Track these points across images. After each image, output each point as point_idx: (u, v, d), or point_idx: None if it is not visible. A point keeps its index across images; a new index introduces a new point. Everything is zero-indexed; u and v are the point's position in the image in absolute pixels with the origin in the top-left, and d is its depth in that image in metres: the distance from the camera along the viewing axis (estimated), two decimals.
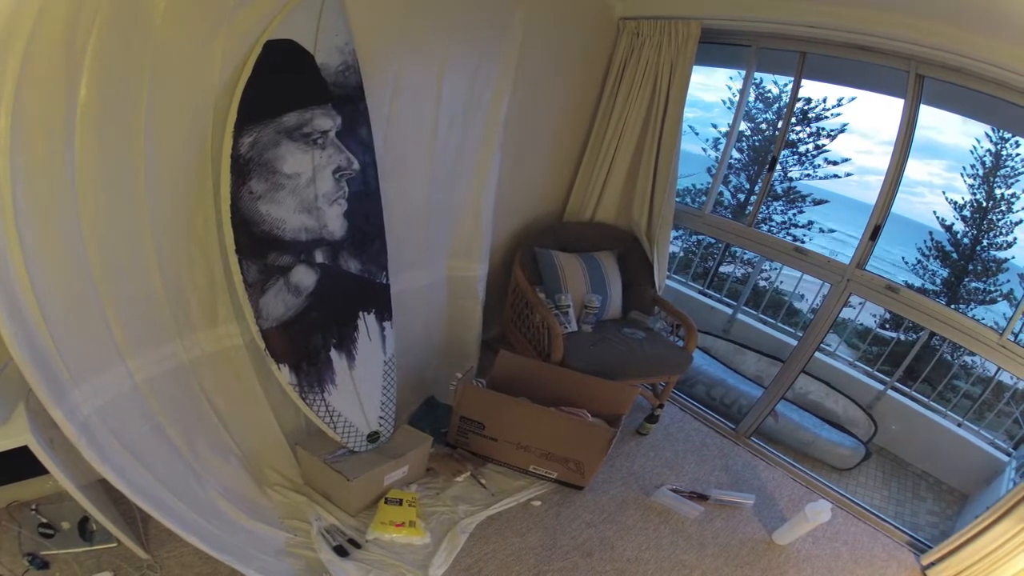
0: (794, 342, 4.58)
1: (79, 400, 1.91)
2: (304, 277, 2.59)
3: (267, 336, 2.48)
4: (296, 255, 2.54)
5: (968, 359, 6.42)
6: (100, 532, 2.31)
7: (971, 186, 11.21)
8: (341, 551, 2.52)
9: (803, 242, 10.88)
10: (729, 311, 5.57)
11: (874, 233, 3.42)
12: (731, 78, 10.52)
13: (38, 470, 1.92)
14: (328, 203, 2.61)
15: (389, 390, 2.91)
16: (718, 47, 3.76)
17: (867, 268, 3.51)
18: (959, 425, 4.43)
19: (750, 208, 12.44)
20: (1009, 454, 4.19)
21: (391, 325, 2.93)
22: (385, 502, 2.75)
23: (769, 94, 12.36)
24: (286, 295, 2.53)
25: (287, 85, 2.40)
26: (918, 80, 3.19)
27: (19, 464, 1.92)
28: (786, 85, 11.42)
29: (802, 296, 6.00)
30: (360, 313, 2.84)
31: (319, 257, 2.63)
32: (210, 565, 2.33)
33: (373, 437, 2.83)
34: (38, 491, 2.39)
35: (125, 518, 2.36)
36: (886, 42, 3.03)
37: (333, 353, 2.71)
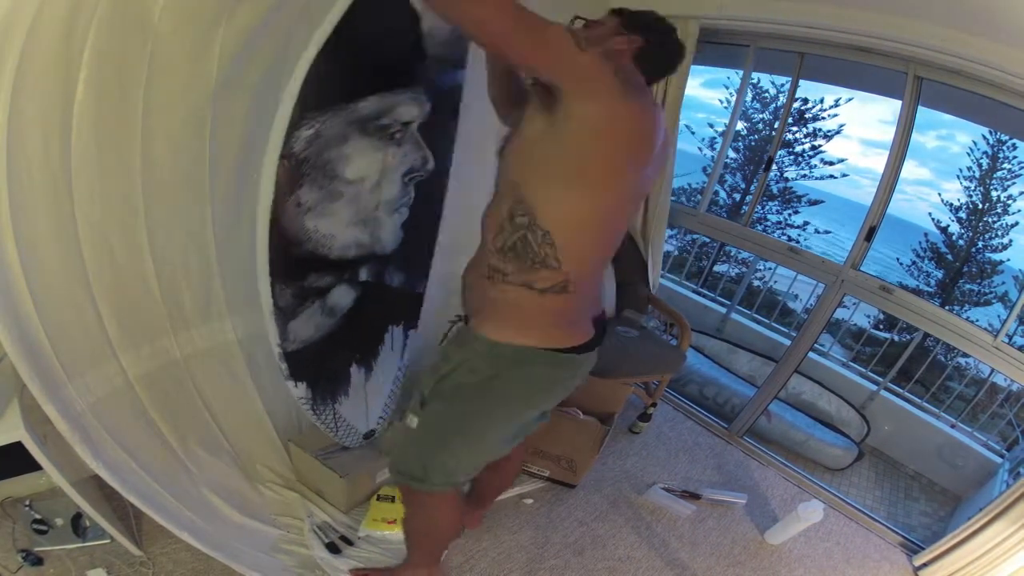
0: (787, 342, 4.61)
1: (72, 396, 1.90)
2: (343, 298, 2.34)
3: (289, 358, 2.26)
4: (339, 275, 2.28)
5: (962, 360, 6.45)
6: (93, 528, 2.30)
7: (967, 188, 11.29)
8: (334, 548, 2.51)
9: (798, 242, 10.92)
10: (723, 310, 5.58)
11: (869, 234, 3.42)
12: (728, 78, 10.57)
13: (31, 466, 1.92)
14: (388, 212, 2.29)
15: (394, 392, 2.89)
16: (716, 47, 3.74)
17: (861, 269, 3.51)
18: (952, 427, 4.45)
19: (745, 208, 12.49)
20: (1002, 455, 4.21)
21: (415, 331, 2.87)
22: (377, 499, 2.74)
23: (766, 94, 12.41)
24: (319, 318, 2.29)
25: (374, 56, 1.93)
26: (916, 82, 3.19)
27: (12, 460, 1.90)
28: (783, 85, 11.47)
29: (796, 296, 6.02)
30: (390, 327, 2.74)
31: (364, 275, 2.38)
32: (203, 562, 2.33)
33: (369, 435, 2.80)
34: (32, 487, 2.39)
35: (118, 514, 2.35)
36: (884, 43, 3.02)
37: (353, 368, 2.61)
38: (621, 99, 1.51)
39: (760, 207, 12.04)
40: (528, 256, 1.65)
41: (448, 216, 2.75)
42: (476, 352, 1.81)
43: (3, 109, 1.55)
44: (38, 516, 2.30)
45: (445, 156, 2.37)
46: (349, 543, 2.57)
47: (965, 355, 3.83)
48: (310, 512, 2.66)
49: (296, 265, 2.09)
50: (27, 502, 2.33)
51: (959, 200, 11.45)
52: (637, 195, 1.79)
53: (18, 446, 1.85)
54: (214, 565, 2.29)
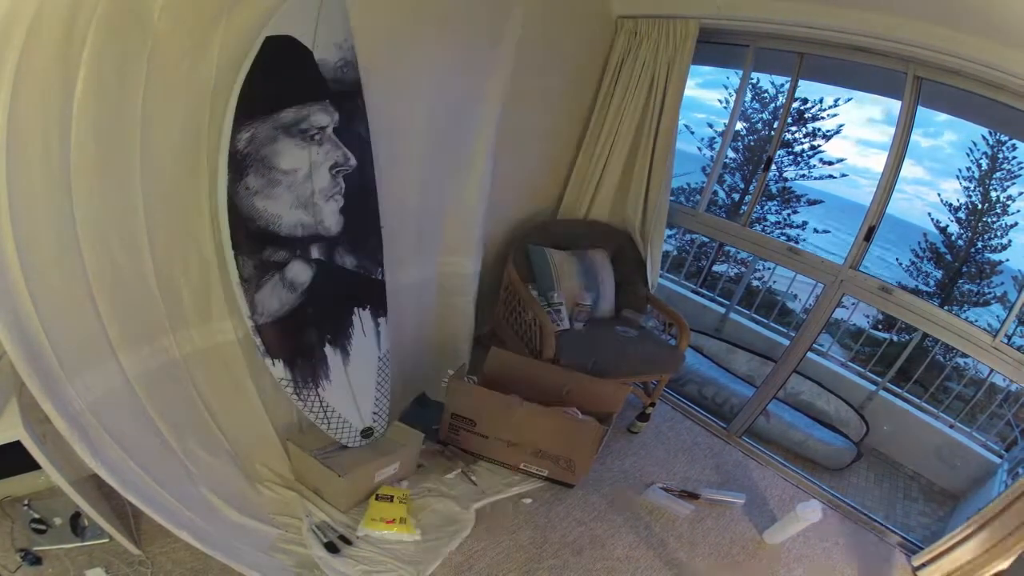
0: (786, 342, 4.61)
1: (71, 395, 1.91)
2: (300, 273, 2.57)
3: (262, 331, 2.46)
4: (292, 251, 2.53)
5: (961, 361, 6.44)
6: (92, 528, 2.30)
7: (966, 188, 11.25)
8: (332, 547, 2.52)
9: (797, 242, 10.91)
10: (722, 310, 5.57)
11: (868, 234, 3.42)
12: (727, 78, 10.54)
13: (30, 465, 1.92)
14: (325, 199, 2.59)
15: (383, 386, 2.91)
16: (715, 46, 3.75)
17: (860, 269, 3.51)
18: (951, 427, 4.44)
19: (744, 208, 12.47)
20: (1001, 456, 4.20)
21: (386, 321, 2.93)
22: (376, 498, 2.75)
23: (766, 94, 12.38)
24: (281, 291, 2.51)
25: (285, 81, 2.37)
26: (916, 81, 3.20)
27: (11, 459, 1.92)
28: (782, 85, 11.44)
29: (795, 296, 6.01)
30: (355, 309, 2.84)
31: (315, 253, 2.61)
32: (201, 561, 2.33)
33: (367, 433, 2.83)
34: (30, 486, 2.39)
35: (117, 513, 2.35)
36: (884, 43, 3.04)
37: (328, 348, 2.71)
38: None
39: (759, 207, 12.02)
40: None
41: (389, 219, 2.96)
42: None
43: (3, 108, 1.56)
44: (37, 515, 2.30)
45: (366, 157, 2.73)
46: (348, 542, 2.58)
47: (964, 355, 3.82)
48: (308, 511, 2.68)
49: (254, 239, 2.40)
50: (26, 501, 2.34)
51: (958, 200, 11.47)
52: None
53: (17, 445, 1.84)
54: (212, 564, 2.30)
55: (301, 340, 2.63)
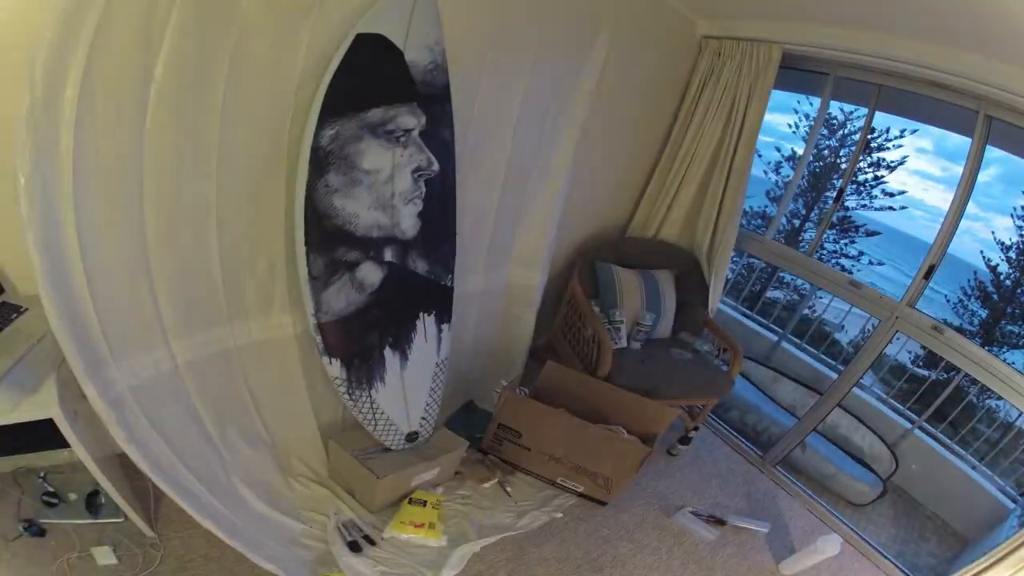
0: (831, 373, 4.55)
1: (115, 377, 1.84)
2: (370, 274, 2.52)
3: (323, 329, 2.41)
4: (365, 252, 2.49)
5: (993, 403, 6.39)
6: (108, 506, 2.22)
7: (1020, 228, 11.14)
8: (355, 546, 2.45)
9: (852, 273, 10.82)
10: (773, 337, 5.46)
11: (928, 272, 3.31)
12: (798, 102, 10.42)
13: (57, 442, 1.81)
14: (404, 202, 2.55)
15: (436, 392, 2.86)
16: (793, 72, 3.64)
17: (916, 307, 3.41)
18: (973, 468, 4.38)
19: (803, 235, 12.36)
20: (1015, 501, 4.15)
21: (449, 328, 2.87)
22: (409, 502, 2.69)
23: (834, 120, 12.23)
24: (350, 291, 2.47)
25: (374, 80, 2.33)
26: (986, 120, 3.08)
27: (38, 433, 1.81)
28: (851, 112, 11.32)
29: (843, 327, 5.91)
30: (421, 314, 2.79)
31: (388, 255, 2.57)
32: (216, 548, 2.26)
33: (412, 437, 2.76)
34: (50, 459, 2.30)
35: (137, 494, 2.27)
36: (958, 80, 2.91)
37: (387, 352, 2.67)
38: None
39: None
40: None
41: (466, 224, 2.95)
42: None
43: (74, 87, 1.49)
44: (51, 489, 2.22)
45: (448, 163, 2.67)
46: (372, 543, 2.51)
47: (997, 397, 3.75)
48: (337, 509, 2.61)
49: (328, 237, 2.35)
50: (42, 473, 2.24)
51: (1011, 239, 11.33)
52: None
53: (48, 422, 1.75)
54: (227, 552, 2.22)
55: (362, 341, 2.59)
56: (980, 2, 2.36)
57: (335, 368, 2.47)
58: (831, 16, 3.19)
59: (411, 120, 2.43)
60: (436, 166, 2.58)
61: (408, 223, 2.59)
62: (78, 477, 2.21)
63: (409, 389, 2.71)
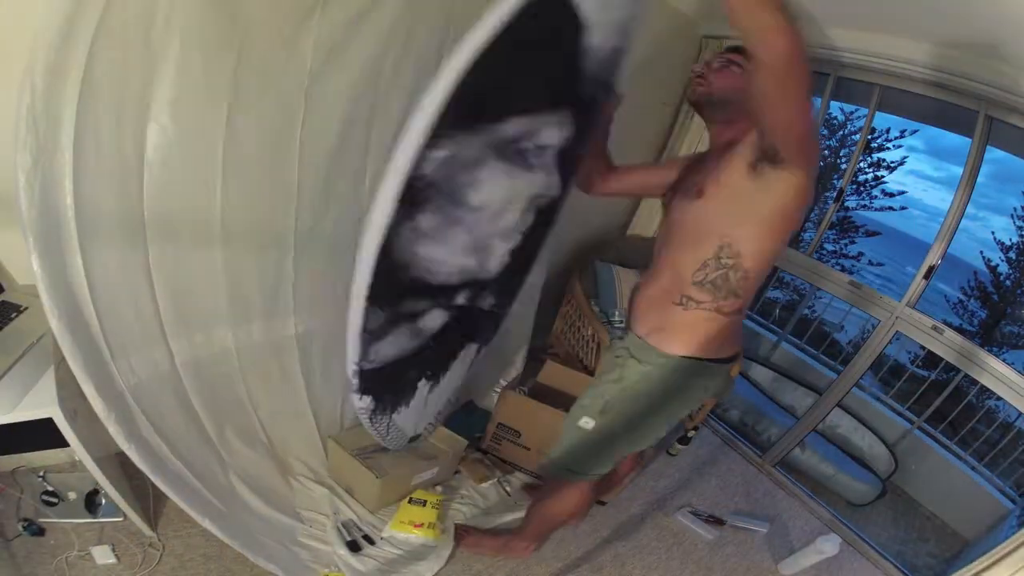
0: (830, 373, 4.57)
1: (114, 375, 1.83)
2: (433, 321, 2.02)
3: (363, 374, 1.91)
4: (435, 300, 1.97)
5: (993, 403, 6.37)
6: (107, 505, 2.22)
7: (1019, 228, 11.15)
8: (354, 546, 2.45)
9: (852, 273, 10.82)
10: (773, 337, 5.45)
11: (928, 272, 3.31)
12: None
13: (56, 441, 1.81)
14: (503, 239, 1.95)
15: (451, 402, 2.83)
16: None
17: (916, 307, 3.40)
18: (973, 469, 4.38)
19: (803, 235, 12.38)
20: (1014, 501, 4.15)
21: (487, 346, 2.66)
22: (409, 502, 2.67)
23: (834, 120, 12.23)
24: (405, 339, 1.96)
25: (527, 73, 1.55)
26: (987, 121, 3.08)
27: (37, 432, 1.79)
28: (852, 112, 11.30)
29: (842, 327, 5.89)
30: (466, 344, 2.45)
31: (460, 299, 2.05)
32: (215, 548, 2.26)
33: (414, 439, 2.71)
34: (49, 459, 2.30)
35: (136, 493, 2.27)
36: (959, 80, 2.93)
37: (422, 382, 2.32)
38: (817, 164, 1.65)
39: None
40: (725, 288, 1.84)
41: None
42: (659, 364, 1.98)
43: (75, 85, 1.48)
44: (50, 488, 2.20)
45: (566, 180, 2.01)
46: (371, 542, 2.51)
47: (996, 398, 3.74)
48: (336, 509, 2.60)
49: (397, 290, 1.79)
50: (41, 473, 2.22)
51: (1011, 239, 11.30)
52: None
53: (47, 420, 1.75)
54: (227, 552, 2.22)
55: (401, 379, 2.19)
56: (981, 3, 2.36)
57: (365, 402, 2.04)
58: (831, 16, 3.19)
59: (554, 135, 1.73)
60: (557, 191, 1.99)
61: (496, 263, 2.01)
62: (77, 476, 2.21)
63: (429, 406, 2.58)
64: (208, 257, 2.04)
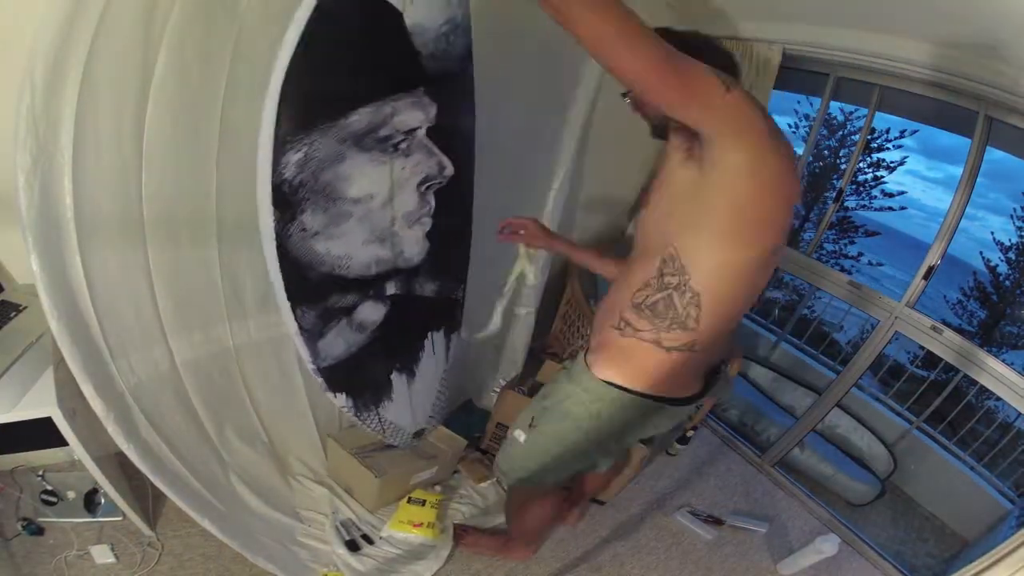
0: (830, 374, 4.56)
1: (114, 375, 1.84)
2: (371, 313, 2.18)
3: (323, 372, 2.10)
4: (363, 293, 2.11)
5: (991, 403, 6.37)
6: (106, 505, 2.23)
7: (1019, 229, 11.16)
8: (353, 546, 2.46)
9: (851, 273, 10.87)
10: (772, 338, 5.43)
11: (927, 273, 3.31)
12: (798, 103, 10.42)
13: (53, 439, 1.81)
14: (408, 224, 2.10)
15: (443, 392, 2.79)
16: (794, 73, 3.61)
17: (916, 307, 3.40)
18: (972, 469, 4.38)
19: (803, 235, 12.43)
20: (1014, 502, 4.15)
21: (458, 336, 2.74)
22: (408, 501, 2.67)
23: (834, 120, 12.25)
24: (348, 334, 2.13)
25: (355, 64, 1.71)
26: (987, 122, 3.07)
27: (34, 430, 1.79)
28: (852, 112, 11.30)
29: (841, 327, 5.89)
30: (429, 333, 2.58)
31: (391, 289, 2.21)
32: (215, 547, 2.27)
33: (418, 434, 2.72)
34: (48, 458, 2.32)
35: (136, 493, 2.28)
36: (959, 80, 2.89)
37: (394, 375, 2.46)
38: (770, 138, 1.37)
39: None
40: (668, 316, 1.60)
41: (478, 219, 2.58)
42: (587, 388, 1.81)
43: (74, 85, 1.48)
44: (49, 487, 2.20)
45: (466, 157, 2.19)
46: (370, 542, 2.52)
47: (996, 398, 3.73)
48: (335, 508, 2.61)
49: (315, 288, 1.94)
50: (40, 472, 2.23)
51: (1010, 240, 11.31)
52: (783, 243, 1.62)
53: (46, 420, 1.75)
54: (225, 551, 2.24)
55: (367, 374, 2.33)
56: (981, 3, 2.36)
57: (341, 399, 2.23)
58: (832, 16, 3.19)
59: (416, 116, 1.87)
60: (450, 170, 2.11)
61: (414, 249, 2.19)
62: (76, 476, 2.21)
63: (416, 398, 2.61)
64: (206, 255, 2.03)
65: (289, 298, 1.86)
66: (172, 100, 1.71)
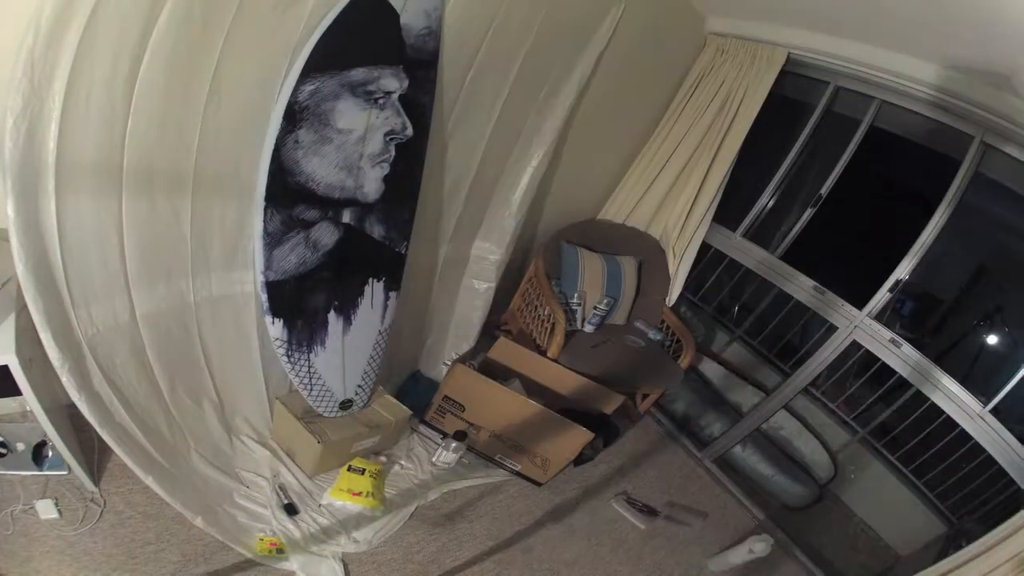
0: (779, 376, 4.58)
1: (73, 324, 1.88)
2: (326, 235, 2.51)
3: (270, 287, 2.39)
4: (324, 211, 2.48)
5: (940, 422, 6.28)
6: (54, 458, 2.22)
7: None
8: (291, 509, 2.50)
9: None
10: (728, 335, 5.34)
11: (894, 286, 3.41)
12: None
13: (7, 388, 1.84)
14: (371, 164, 2.54)
15: (375, 360, 2.86)
16: (790, 76, 3.72)
17: (876, 319, 3.50)
18: (912, 485, 4.40)
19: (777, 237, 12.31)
20: (951, 524, 4.17)
21: (396, 296, 2.85)
22: (348, 469, 2.71)
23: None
24: (302, 250, 2.45)
25: (364, 39, 2.31)
26: (981, 147, 3.15)
27: None
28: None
29: (802, 329, 5.83)
30: (370, 279, 2.77)
31: (346, 217, 2.56)
32: (155, 506, 2.29)
33: (346, 405, 2.78)
34: (1, 408, 2.22)
35: (82, 447, 2.28)
36: (960, 104, 3.01)
37: (332, 315, 2.65)
38: None
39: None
40: None
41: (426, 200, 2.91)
42: None
43: (76, 32, 1.51)
44: (1, 438, 2.18)
45: (422, 129, 2.66)
46: (309, 508, 2.57)
47: (948, 418, 3.77)
48: (276, 471, 2.64)
49: (289, 194, 2.34)
50: None
51: None
52: None
53: (2, 368, 1.78)
54: (166, 510, 2.27)
55: (308, 302, 2.57)
56: (996, 34, 2.44)
57: (277, 328, 2.47)
58: (842, 28, 3.27)
59: (393, 83, 2.43)
60: (410, 131, 2.57)
61: (372, 186, 2.58)
62: (27, 427, 2.16)
63: (348, 355, 2.72)
64: (178, 207, 2.08)
65: (266, 197, 2.27)
66: (170, 53, 1.75)
